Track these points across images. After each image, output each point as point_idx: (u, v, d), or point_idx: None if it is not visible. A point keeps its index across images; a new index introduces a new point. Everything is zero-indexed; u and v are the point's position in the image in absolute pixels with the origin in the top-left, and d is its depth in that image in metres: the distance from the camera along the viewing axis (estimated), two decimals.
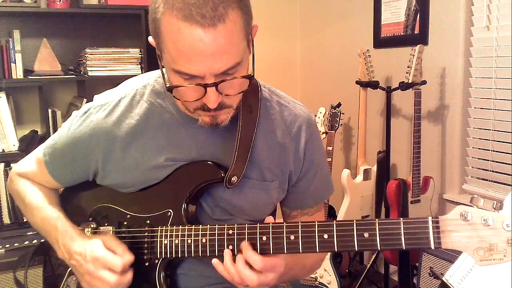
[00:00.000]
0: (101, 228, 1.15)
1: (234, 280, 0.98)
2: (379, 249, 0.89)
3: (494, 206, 0.82)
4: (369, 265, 2.73)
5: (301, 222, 0.96)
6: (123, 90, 1.17)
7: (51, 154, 1.21)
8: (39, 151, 1.24)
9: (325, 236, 0.93)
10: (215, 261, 0.99)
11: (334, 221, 0.93)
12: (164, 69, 1.02)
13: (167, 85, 0.99)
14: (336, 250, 0.93)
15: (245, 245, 0.97)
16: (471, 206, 0.84)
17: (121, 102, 1.14)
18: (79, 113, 1.18)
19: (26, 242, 2.37)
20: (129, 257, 1.06)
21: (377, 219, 0.89)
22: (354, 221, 0.91)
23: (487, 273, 1.09)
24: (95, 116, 1.14)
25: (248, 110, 1.10)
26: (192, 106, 1.01)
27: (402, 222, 0.87)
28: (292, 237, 0.95)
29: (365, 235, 0.90)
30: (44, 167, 1.22)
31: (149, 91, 1.15)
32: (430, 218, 0.85)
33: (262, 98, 1.15)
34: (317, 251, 0.94)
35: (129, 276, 1.05)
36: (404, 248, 0.86)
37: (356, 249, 0.91)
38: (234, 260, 0.98)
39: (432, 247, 0.85)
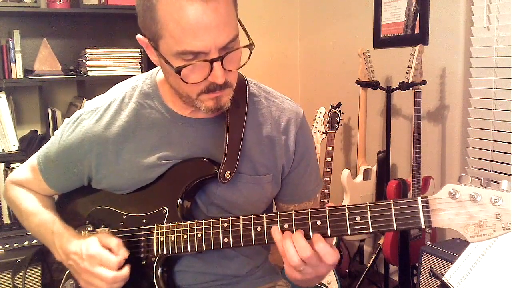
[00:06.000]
0: (98, 230, 1.16)
1: (288, 251, 0.93)
2: (371, 231, 0.90)
3: (482, 183, 0.83)
4: (369, 265, 2.73)
5: (294, 211, 0.97)
6: (112, 94, 1.18)
7: (45, 162, 1.22)
8: (33, 159, 1.25)
9: (318, 222, 0.94)
10: (274, 229, 0.96)
11: (327, 207, 0.94)
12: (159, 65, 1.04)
13: (175, 67, 0.97)
14: (329, 236, 0.93)
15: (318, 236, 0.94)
16: (459, 184, 0.85)
17: (111, 106, 1.16)
18: (71, 120, 1.19)
19: (26, 242, 2.36)
20: (123, 253, 1.06)
21: (368, 202, 0.90)
22: (346, 205, 0.92)
23: (487, 273, 1.09)
24: (86, 122, 1.15)
25: (235, 106, 1.11)
26: (197, 90, 1.01)
27: (392, 204, 0.88)
28: (286, 226, 0.96)
29: (357, 218, 0.91)
30: (39, 175, 1.23)
31: (137, 93, 1.16)
32: (419, 198, 0.87)
33: (250, 94, 1.16)
34: (311, 238, 0.94)
35: (124, 271, 1.06)
36: (395, 229, 0.87)
37: (349, 233, 0.91)
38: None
39: (423, 226, 0.85)
